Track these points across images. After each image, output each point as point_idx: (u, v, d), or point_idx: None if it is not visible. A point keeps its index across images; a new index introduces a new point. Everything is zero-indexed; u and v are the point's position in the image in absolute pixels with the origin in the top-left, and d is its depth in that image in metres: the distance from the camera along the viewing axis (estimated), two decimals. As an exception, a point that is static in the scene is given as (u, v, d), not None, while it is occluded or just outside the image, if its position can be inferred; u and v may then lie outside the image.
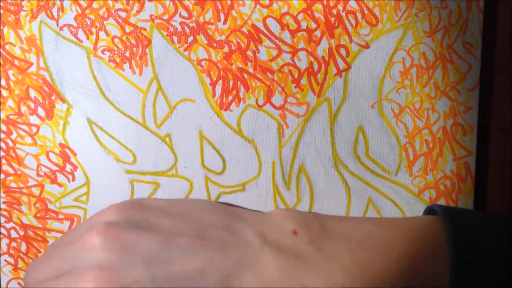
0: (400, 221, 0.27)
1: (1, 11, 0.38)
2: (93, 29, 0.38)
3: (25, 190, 0.40)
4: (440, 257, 0.26)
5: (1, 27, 0.38)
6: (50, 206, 0.41)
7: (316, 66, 0.39)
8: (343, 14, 0.39)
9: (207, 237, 0.25)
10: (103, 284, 0.22)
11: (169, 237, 0.24)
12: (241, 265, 0.25)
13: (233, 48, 0.39)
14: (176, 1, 0.38)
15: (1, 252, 0.41)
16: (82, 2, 0.38)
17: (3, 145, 0.40)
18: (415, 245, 0.26)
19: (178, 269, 0.24)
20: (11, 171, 0.40)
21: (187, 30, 0.39)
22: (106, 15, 0.38)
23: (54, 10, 0.38)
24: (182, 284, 0.23)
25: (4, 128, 0.39)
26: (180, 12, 0.38)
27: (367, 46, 0.39)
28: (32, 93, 0.39)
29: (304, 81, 0.40)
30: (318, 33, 0.39)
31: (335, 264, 0.26)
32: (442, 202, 0.41)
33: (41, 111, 0.39)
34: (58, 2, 0.38)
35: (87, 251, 0.23)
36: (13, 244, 0.41)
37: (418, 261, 0.26)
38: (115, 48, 0.39)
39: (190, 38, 0.39)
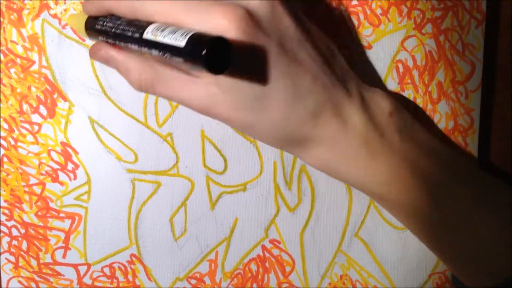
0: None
1: (4, 9, 0.38)
2: (96, 28, 0.38)
3: (26, 189, 0.40)
4: None
5: (4, 25, 0.38)
6: (51, 205, 0.41)
7: (318, 67, 0.39)
8: (346, 14, 0.39)
9: (331, 64, 0.28)
10: (240, 26, 0.23)
11: (308, 36, 0.27)
12: (335, 105, 0.26)
13: (236, 48, 0.39)
14: (179, 1, 0.38)
15: (2, 250, 0.41)
16: (84, 1, 0.38)
17: (4, 143, 0.40)
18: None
19: (309, 49, 0.26)
20: (12, 170, 0.40)
21: (190, 30, 0.39)
22: (108, 14, 0.38)
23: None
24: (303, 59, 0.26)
25: (5, 126, 0.39)
26: (183, 11, 0.38)
27: (369, 47, 0.39)
28: (34, 91, 0.39)
29: (306, 81, 0.39)
30: (320, 33, 0.39)
31: (405, 163, 0.27)
32: (443, 203, 0.41)
33: (43, 110, 0.39)
34: (61, 1, 0.38)
35: None
36: (14, 242, 0.41)
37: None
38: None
39: (193, 38, 0.39)
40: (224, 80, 0.24)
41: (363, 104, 0.27)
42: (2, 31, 0.38)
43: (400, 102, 0.31)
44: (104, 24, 0.29)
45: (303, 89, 0.25)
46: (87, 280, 0.42)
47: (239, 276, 0.42)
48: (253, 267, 0.42)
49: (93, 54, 0.31)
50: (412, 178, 0.27)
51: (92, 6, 0.30)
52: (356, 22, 0.39)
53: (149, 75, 0.27)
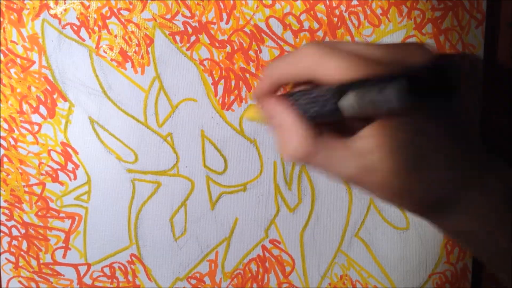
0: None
1: (4, 9, 0.38)
2: (96, 28, 0.38)
3: (26, 189, 0.40)
4: None
5: (4, 25, 0.38)
6: (51, 205, 0.41)
7: (318, 67, 0.39)
8: (346, 14, 0.39)
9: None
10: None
11: None
12: (482, 172, 0.26)
13: (236, 48, 0.39)
14: (179, 1, 0.38)
15: (2, 250, 0.41)
16: (85, 1, 0.38)
17: (4, 143, 0.40)
18: None
19: None
20: (12, 170, 0.40)
21: (190, 30, 0.39)
22: (108, 14, 0.38)
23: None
24: None
25: (5, 126, 0.39)
26: (183, 11, 0.38)
27: (369, 47, 0.39)
28: (34, 91, 0.39)
29: (306, 81, 0.40)
30: (320, 33, 0.39)
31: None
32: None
33: (43, 110, 0.39)
34: (61, 1, 0.38)
35: None
36: (14, 242, 0.41)
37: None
38: (118, 47, 0.39)
39: (193, 38, 0.39)
40: (386, 146, 0.23)
41: (503, 174, 0.26)
42: (2, 31, 0.38)
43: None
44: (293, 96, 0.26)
45: (459, 152, 0.24)
46: (87, 280, 0.42)
47: (239, 276, 0.42)
48: (253, 267, 0.42)
49: (267, 104, 0.27)
50: None
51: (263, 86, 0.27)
52: (356, 22, 0.39)
53: (307, 149, 0.24)
